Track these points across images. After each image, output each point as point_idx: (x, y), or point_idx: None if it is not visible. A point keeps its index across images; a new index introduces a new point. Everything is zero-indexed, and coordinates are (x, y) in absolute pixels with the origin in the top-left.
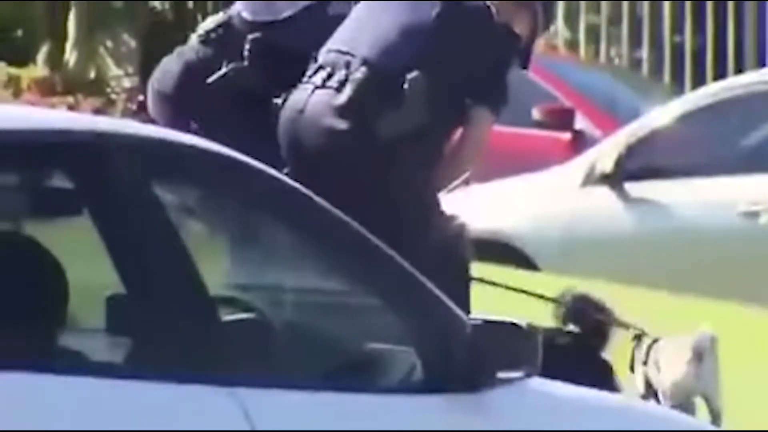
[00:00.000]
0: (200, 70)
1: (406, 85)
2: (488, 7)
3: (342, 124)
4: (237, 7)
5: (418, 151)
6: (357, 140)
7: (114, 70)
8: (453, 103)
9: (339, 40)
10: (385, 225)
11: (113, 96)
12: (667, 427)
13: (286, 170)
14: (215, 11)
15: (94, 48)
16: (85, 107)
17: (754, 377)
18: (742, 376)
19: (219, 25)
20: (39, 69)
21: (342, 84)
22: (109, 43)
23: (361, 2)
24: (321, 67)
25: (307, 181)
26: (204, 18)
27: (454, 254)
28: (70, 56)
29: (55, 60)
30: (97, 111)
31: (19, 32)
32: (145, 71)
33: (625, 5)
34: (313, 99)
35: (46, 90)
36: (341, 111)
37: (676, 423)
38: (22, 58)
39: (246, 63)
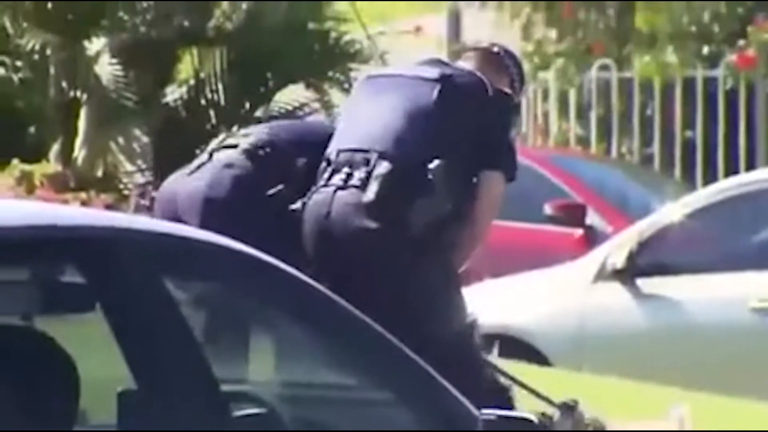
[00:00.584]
0: (250, 183)
1: (430, 175)
2: (481, 78)
3: (372, 223)
4: (276, 130)
5: (448, 232)
6: (390, 236)
7: (126, 166)
8: (469, 176)
9: (347, 139)
10: (422, 310)
11: (125, 192)
12: None
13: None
14: (228, 107)
15: (104, 144)
16: (98, 203)
17: None
18: None
19: (265, 145)
20: (51, 165)
21: (365, 182)
22: (120, 140)
23: (352, 98)
24: (336, 169)
25: (337, 281)
26: (217, 118)
27: (470, 344)
28: (79, 153)
29: (67, 156)
30: (109, 207)
31: (32, 129)
32: (158, 167)
33: (636, 101)
34: (338, 200)
35: (59, 186)
36: (370, 209)
37: None
38: (34, 154)
39: (294, 183)
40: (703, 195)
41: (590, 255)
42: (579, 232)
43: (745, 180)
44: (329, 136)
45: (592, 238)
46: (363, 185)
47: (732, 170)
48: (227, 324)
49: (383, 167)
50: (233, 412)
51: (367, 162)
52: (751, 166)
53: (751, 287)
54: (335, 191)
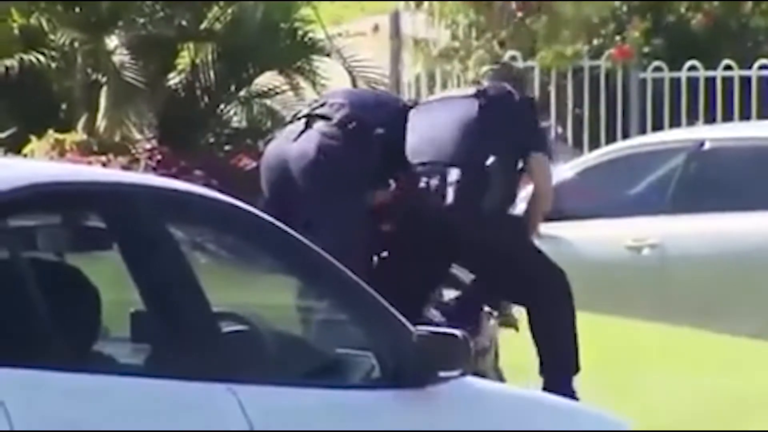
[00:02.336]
0: (332, 151)
1: (489, 170)
2: (507, 88)
3: (455, 217)
4: (357, 103)
5: (508, 207)
6: (469, 226)
7: (137, 135)
8: (516, 163)
9: (419, 154)
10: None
11: (137, 155)
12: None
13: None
14: (217, 90)
15: (119, 118)
16: (115, 164)
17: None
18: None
19: (352, 119)
20: (79, 134)
21: (443, 188)
22: (132, 115)
23: (413, 120)
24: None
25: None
26: (209, 98)
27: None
28: (101, 124)
29: (90, 127)
30: (125, 167)
31: (63, 106)
32: (161, 136)
33: (537, 84)
34: (431, 202)
35: (85, 151)
36: (451, 209)
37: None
38: (65, 126)
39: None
40: (589, 158)
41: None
42: None
43: (621, 146)
44: (399, 108)
45: None
46: (441, 192)
47: (611, 139)
48: (215, 259)
49: (454, 174)
50: (222, 329)
51: (440, 174)
52: (625, 135)
53: (626, 230)
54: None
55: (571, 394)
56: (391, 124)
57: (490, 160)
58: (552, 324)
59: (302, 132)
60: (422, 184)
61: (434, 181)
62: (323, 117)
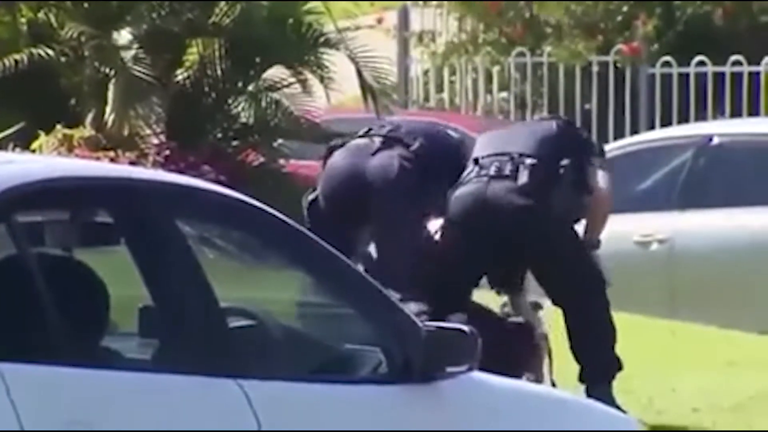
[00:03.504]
0: (409, 175)
1: (561, 170)
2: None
3: (526, 201)
4: (420, 134)
5: (574, 216)
6: (538, 211)
7: (146, 131)
8: (585, 174)
9: (487, 147)
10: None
11: (145, 151)
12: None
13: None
14: (225, 85)
15: (128, 113)
16: (123, 160)
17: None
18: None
19: (426, 152)
20: (87, 130)
21: (515, 173)
22: (141, 110)
23: (479, 144)
24: (483, 166)
25: (490, 246)
26: (217, 93)
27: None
28: (109, 119)
29: (99, 122)
30: (133, 163)
31: (72, 101)
32: (170, 131)
33: (546, 80)
34: (493, 186)
35: (93, 146)
36: (523, 190)
37: (592, 413)
38: (73, 121)
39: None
40: None
41: None
42: None
43: (630, 141)
44: (457, 145)
45: None
46: (513, 175)
47: (620, 134)
48: (224, 254)
49: (528, 161)
50: (229, 323)
51: (511, 159)
52: (634, 131)
53: (635, 225)
54: (489, 180)
55: (610, 401)
56: (452, 162)
57: (565, 161)
58: (591, 327)
59: (379, 150)
60: (493, 170)
61: (507, 166)
62: (399, 141)
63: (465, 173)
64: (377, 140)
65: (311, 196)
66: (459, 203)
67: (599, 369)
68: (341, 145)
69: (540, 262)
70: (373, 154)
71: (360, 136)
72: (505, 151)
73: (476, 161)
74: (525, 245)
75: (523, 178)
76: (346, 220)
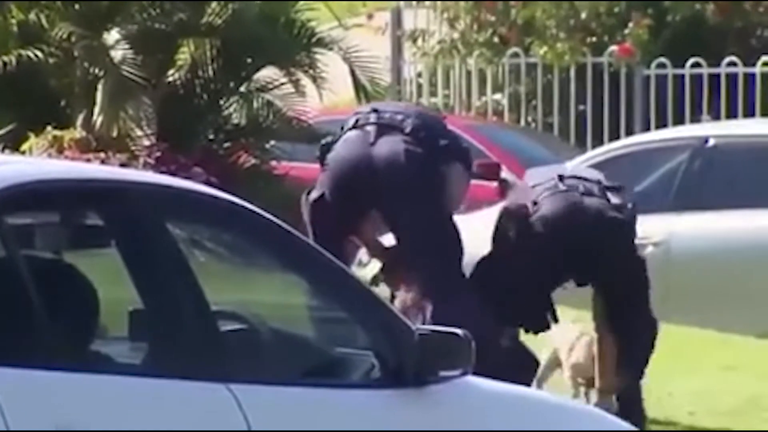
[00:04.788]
0: (417, 156)
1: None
2: None
3: (620, 215)
4: (414, 115)
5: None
6: (628, 226)
7: (137, 132)
8: None
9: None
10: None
11: (136, 152)
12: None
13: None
14: (217, 85)
15: (117, 113)
16: (114, 161)
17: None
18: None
19: (421, 129)
20: (77, 131)
21: (604, 192)
22: (131, 111)
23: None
24: (572, 186)
25: (580, 255)
26: (208, 94)
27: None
28: (97, 120)
29: (90, 124)
30: (123, 164)
31: (62, 102)
32: (161, 133)
33: (539, 81)
34: (589, 202)
35: (83, 148)
36: (618, 208)
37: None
38: (64, 123)
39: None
40: (592, 155)
41: (504, 202)
42: (495, 184)
43: (624, 143)
44: (443, 121)
45: (506, 189)
46: (604, 194)
47: (614, 136)
48: (215, 257)
49: (611, 186)
50: (220, 327)
51: (598, 183)
52: (629, 132)
53: None
54: (582, 195)
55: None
56: (448, 136)
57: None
58: (641, 332)
59: (377, 138)
60: (582, 188)
61: (595, 188)
62: (392, 127)
63: (550, 185)
64: (371, 129)
65: (314, 194)
66: (552, 210)
67: (636, 374)
68: (333, 142)
69: (615, 270)
70: (373, 143)
71: (350, 129)
72: (583, 176)
73: (561, 177)
74: (610, 256)
75: (616, 198)
76: (355, 212)
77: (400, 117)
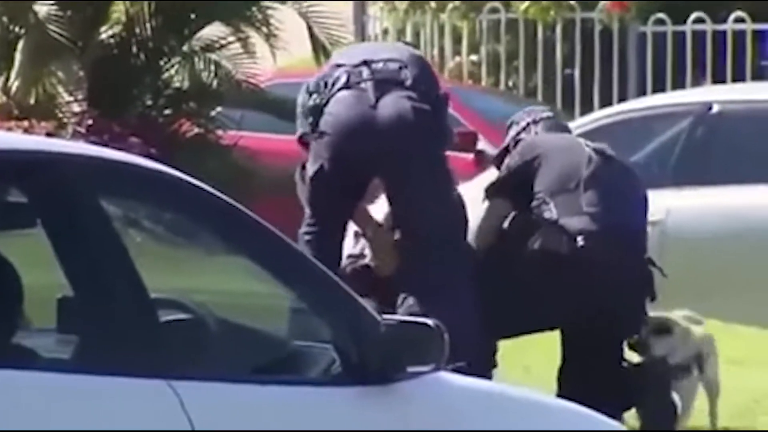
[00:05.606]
0: (426, 114)
1: None
2: None
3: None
4: (410, 64)
5: None
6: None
7: (65, 97)
8: None
9: (596, 205)
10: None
11: (64, 120)
12: (562, 419)
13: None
14: (155, 45)
15: (39, 76)
16: (39, 130)
17: None
18: None
19: (422, 82)
20: None
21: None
22: (60, 74)
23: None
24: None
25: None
26: (146, 54)
27: None
28: (14, 83)
29: (9, 88)
30: (50, 134)
31: None
32: (92, 98)
33: (522, 39)
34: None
35: (4, 115)
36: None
37: (573, 415)
38: None
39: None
40: (581, 123)
41: (481, 176)
42: (470, 156)
43: (617, 110)
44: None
45: (483, 162)
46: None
47: (606, 102)
48: (154, 237)
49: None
50: (160, 317)
51: None
52: (622, 98)
53: None
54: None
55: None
56: (438, 82)
57: None
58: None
59: (378, 98)
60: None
61: (615, 238)
62: (392, 82)
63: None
64: (368, 86)
65: (311, 168)
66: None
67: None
68: (320, 105)
69: None
70: (375, 104)
71: (342, 88)
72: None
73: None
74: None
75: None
76: (357, 184)
77: (395, 66)
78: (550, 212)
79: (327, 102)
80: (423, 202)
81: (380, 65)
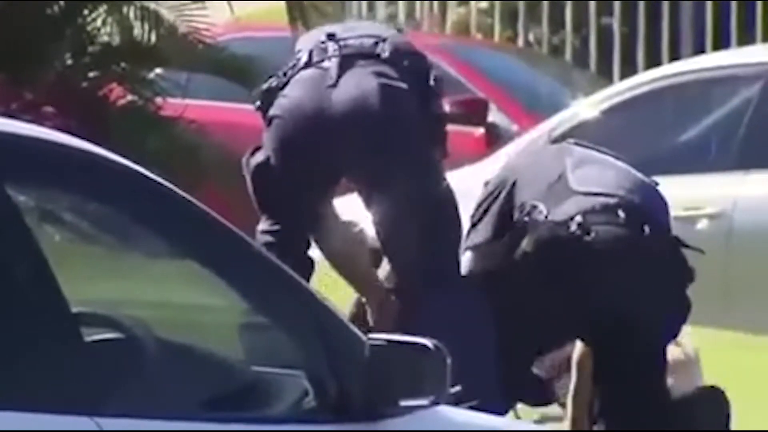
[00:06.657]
0: (399, 94)
1: None
2: None
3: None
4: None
5: None
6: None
7: None
8: None
9: (589, 183)
10: None
11: None
12: None
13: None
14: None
15: None
16: None
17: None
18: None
19: (406, 54)
20: None
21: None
22: None
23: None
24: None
25: (601, 287)
26: (65, 4)
27: None
28: None
29: None
30: None
31: None
32: None
33: None
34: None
35: None
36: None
37: None
38: None
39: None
40: (622, 89)
41: (492, 157)
42: (480, 131)
43: (668, 72)
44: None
45: (495, 138)
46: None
47: (654, 61)
48: (75, 234)
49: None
50: (85, 336)
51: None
52: (675, 56)
53: (676, 193)
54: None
55: None
56: (429, 66)
57: None
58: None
59: (339, 76)
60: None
61: (621, 212)
62: (362, 55)
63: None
64: (331, 64)
65: (259, 157)
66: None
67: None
68: (279, 87)
69: None
70: (334, 84)
71: (303, 67)
72: (603, 192)
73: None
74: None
75: (647, 227)
76: (316, 181)
77: (370, 41)
78: (540, 212)
79: (285, 85)
80: (399, 224)
81: (351, 41)
